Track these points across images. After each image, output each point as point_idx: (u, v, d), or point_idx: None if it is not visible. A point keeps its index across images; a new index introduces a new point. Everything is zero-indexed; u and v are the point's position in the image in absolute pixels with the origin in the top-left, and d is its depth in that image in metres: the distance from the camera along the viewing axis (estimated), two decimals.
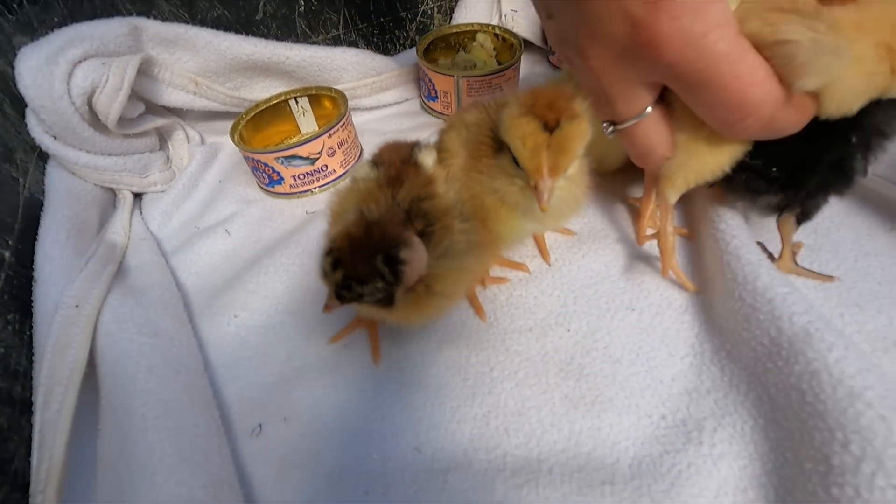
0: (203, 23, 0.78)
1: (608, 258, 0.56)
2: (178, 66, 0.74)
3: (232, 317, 0.56)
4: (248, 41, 0.75)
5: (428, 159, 0.44)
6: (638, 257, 0.56)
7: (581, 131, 0.38)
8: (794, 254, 0.54)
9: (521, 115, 0.38)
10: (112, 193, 0.73)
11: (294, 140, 0.68)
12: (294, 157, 0.68)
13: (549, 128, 0.37)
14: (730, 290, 0.47)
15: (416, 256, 0.36)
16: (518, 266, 0.56)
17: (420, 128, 0.82)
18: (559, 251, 0.58)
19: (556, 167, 0.38)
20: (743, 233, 0.51)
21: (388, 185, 0.41)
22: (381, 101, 0.86)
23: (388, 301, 0.38)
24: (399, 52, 0.96)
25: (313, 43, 0.88)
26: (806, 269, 0.53)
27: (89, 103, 0.63)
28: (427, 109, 0.85)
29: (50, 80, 0.59)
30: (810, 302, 0.42)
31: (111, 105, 0.64)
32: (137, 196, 0.75)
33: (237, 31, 0.80)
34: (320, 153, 0.69)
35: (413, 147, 0.45)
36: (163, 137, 0.79)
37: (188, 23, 0.76)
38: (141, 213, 0.73)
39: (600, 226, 0.61)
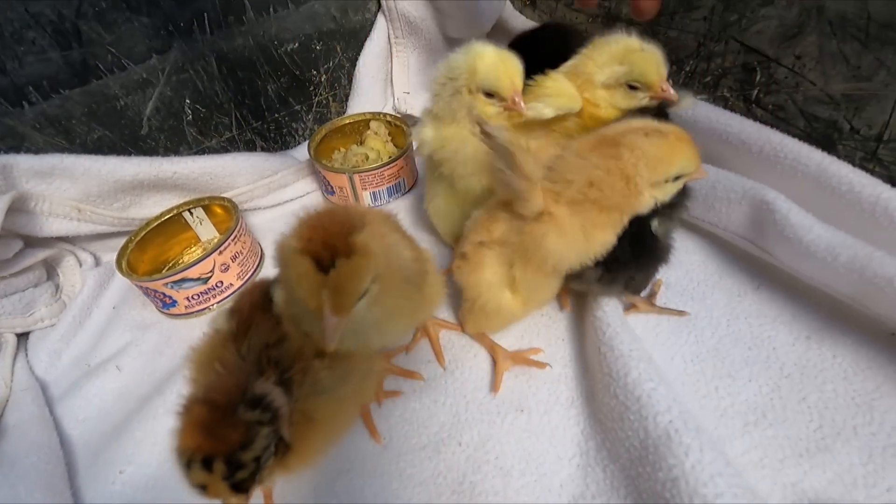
0: (83, 146, 0.76)
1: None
2: (58, 196, 0.71)
3: (118, 473, 0.53)
4: (130, 162, 0.74)
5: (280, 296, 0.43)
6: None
7: (360, 269, 0.35)
8: (653, 294, 0.61)
9: (297, 252, 0.34)
10: None
11: (181, 264, 0.66)
12: (184, 280, 0.66)
13: (324, 267, 0.34)
14: (605, 384, 0.48)
15: (271, 388, 0.35)
16: (411, 375, 0.56)
17: None
18: (453, 351, 0.59)
19: (339, 306, 0.35)
20: (617, 320, 0.53)
21: (237, 338, 0.40)
22: (280, 198, 0.86)
23: (282, 443, 0.36)
24: (299, 143, 0.97)
25: (206, 148, 0.87)
26: (661, 307, 0.60)
27: None
28: (329, 201, 0.85)
29: None
30: (674, 394, 0.44)
31: None
32: (22, 335, 0.71)
33: (122, 150, 0.79)
34: (212, 271, 0.68)
35: (271, 284, 0.45)
36: (51, 266, 0.75)
37: (66, 149, 0.75)
38: (27, 354, 0.69)
39: None
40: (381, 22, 0.92)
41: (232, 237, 0.69)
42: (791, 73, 0.63)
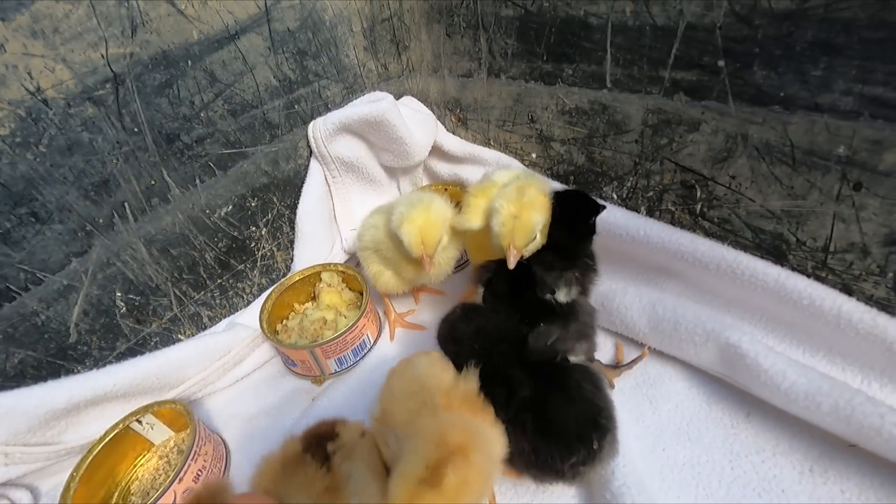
0: (3, 374, 0.68)
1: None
2: None
3: None
4: (61, 386, 0.66)
5: None
6: None
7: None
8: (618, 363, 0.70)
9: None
10: None
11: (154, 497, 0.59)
12: None
13: None
14: None
15: None
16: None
17: (288, 397, 0.76)
18: None
19: None
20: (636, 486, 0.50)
21: None
22: (237, 375, 0.80)
23: None
24: (249, 301, 0.92)
25: (148, 334, 0.80)
26: (625, 364, 0.69)
27: None
28: (292, 372, 0.80)
29: None
30: None
31: None
32: None
33: (50, 366, 0.71)
34: (174, 502, 0.61)
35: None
36: None
37: None
38: None
39: None
40: (314, 166, 0.90)
41: (190, 457, 0.62)
42: (729, 190, 0.65)
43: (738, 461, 0.56)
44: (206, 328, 0.87)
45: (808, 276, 0.61)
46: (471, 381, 0.48)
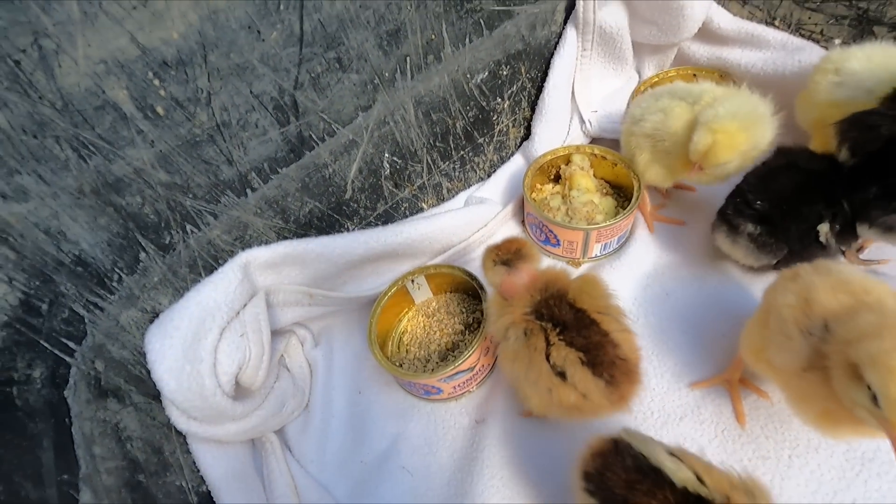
0: (297, 222, 0.70)
1: None
2: (290, 283, 0.67)
3: None
4: (357, 239, 0.68)
5: None
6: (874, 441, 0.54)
7: None
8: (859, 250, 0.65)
9: None
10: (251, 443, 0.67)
11: (457, 364, 0.62)
12: (457, 373, 0.63)
13: None
14: None
15: None
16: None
17: None
18: None
19: None
20: None
21: None
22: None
23: None
24: (480, 178, 0.90)
25: (399, 199, 0.81)
26: (864, 259, 0.65)
27: (236, 380, 0.57)
28: (545, 251, 0.79)
29: (198, 380, 0.52)
30: None
31: (257, 374, 0.58)
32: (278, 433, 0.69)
33: (329, 219, 0.74)
34: (478, 358, 0.64)
35: None
36: (282, 356, 0.72)
37: (283, 228, 0.69)
38: (292, 453, 0.67)
39: None
40: (570, 35, 0.81)
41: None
42: None
43: None
44: (444, 200, 0.87)
45: None
46: None
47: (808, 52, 0.75)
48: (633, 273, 0.73)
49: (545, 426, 0.61)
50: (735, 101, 0.62)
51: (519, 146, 0.92)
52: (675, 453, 0.42)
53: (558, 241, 0.74)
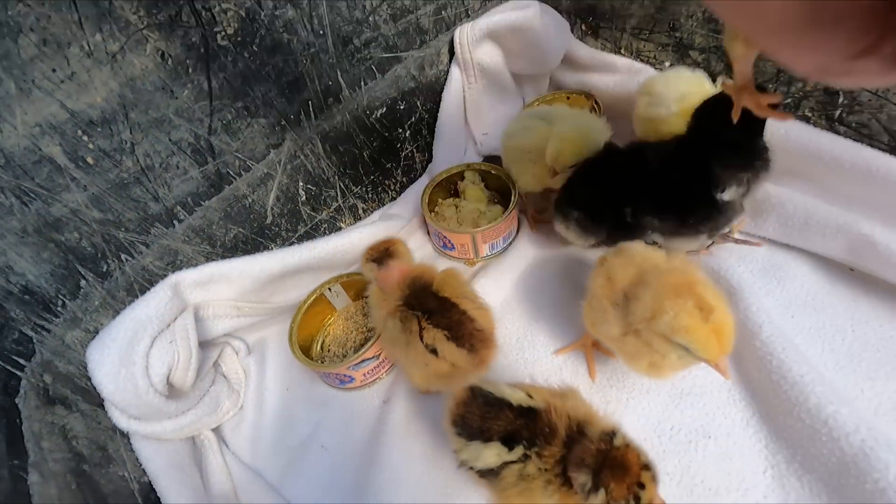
0: (223, 247, 0.82)
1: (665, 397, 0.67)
2: (218, 299, 0.77)
3: None
4: (275, 256, 0.80)
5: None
6: (689, 379, 0.67)
7: None
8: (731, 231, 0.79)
9: None
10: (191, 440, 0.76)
11: (361, 353, 0.73)
12: (363, 361, 0.74)
13: None
14: (786, 409, 0.58)
15: None
16: None
17: None
18: (621, 388, 0.68)
19: None
20: (778, 347, 0.62)
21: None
22: None
23: None
24: (392, 197, 1.03)
25: (319, 221, 0.93)
26: (737, 239, 0.79)
27: (168, 380, 0.67)
28: (442, 255, 0.92)
29: (132, 380, 0.62)
30: (858, 414, 0.54)
31: (186, 374, 0.68)
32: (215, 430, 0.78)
33: (253, 241, 0.85)
34: (381, 347, 0.76)
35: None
36: (217, 363, 0.82)
37: (211, 253, 0.80)
38: (228, 447, 0.76)
39: None
40: (454, 72, 0.96)
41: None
42: (875, 96, 0.71)
43: (859, 326, 0.67)
44: (360, 218, 1.00)
45: None
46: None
47: (644, 74, 0.91)
48: (518, 265, 0.87)
49: (436, 400, 0.72)
50: (576, 119, 0.77)
51: (425, 167, 1.05)
52: (513, 385, 0.54)
53: (452, 245, 0.87)
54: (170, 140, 0.70)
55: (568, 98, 1.02)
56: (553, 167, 0.77)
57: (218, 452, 0.74)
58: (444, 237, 0.87)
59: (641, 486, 0.44)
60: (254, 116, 0.77)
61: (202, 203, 0.77)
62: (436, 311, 0.62)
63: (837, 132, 0.76)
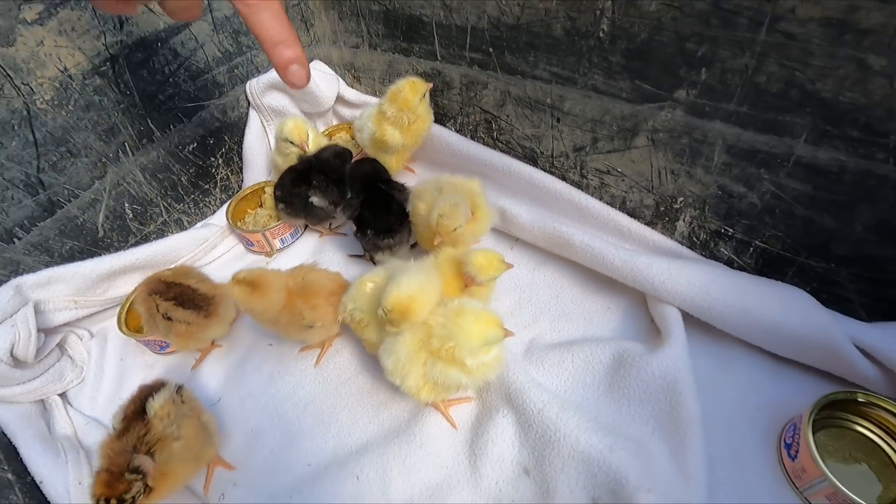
0: (61, 257, 1.06)
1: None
2: (57, 296, 1.02)
3: None
4: (104, 260, 1.05)
5: (154, 405, 0.72)
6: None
7: None
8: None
9: None
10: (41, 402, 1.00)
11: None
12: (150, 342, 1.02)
13: None
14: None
15: (143, 460, 0.64)
16: None
17: (250, 266, 1.20)
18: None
19: None
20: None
21: (121, 433, 0.69)
22: (213, 256, 1.21)
23: (147, 488, 0.63)
24: (213, 211, 1.31)
25: (147, 233, 1.20)
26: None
27: (11, 354, 0.91)
28: (249, 251, 1.22)
29: None
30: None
31: (28, 349, 0.93)
32: (61, 395, 1.02)
33: (89, 252, 1.10)
34: None
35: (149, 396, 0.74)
36: (62, 346, 1.06)
37: (50, 262, 1.04)
38: (71, 405, 1.01)
39: None
40: (252, 113, 1.27)
41: None
42: (507, 124, 1.11)
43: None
44: (186, 229, 1.27)
45: (547, 171, 1.09)
46: None
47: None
48: (300, 253, 1.19)
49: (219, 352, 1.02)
50: (451, 194, 1.08)
51: (241, 186, 1.35)
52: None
53: (251, 242, 1.18)
54: (3, 178, 0.94)
55: (350, 128, 1.37)
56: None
57: (62, 407, 0.98)
58: (245, 237, 1.18)
59: None
60: (76, 157, 1.03)
61: (38, 224, 1.01)
62: (163, 292, 0.93)
63: (499, 146, 1.16)
